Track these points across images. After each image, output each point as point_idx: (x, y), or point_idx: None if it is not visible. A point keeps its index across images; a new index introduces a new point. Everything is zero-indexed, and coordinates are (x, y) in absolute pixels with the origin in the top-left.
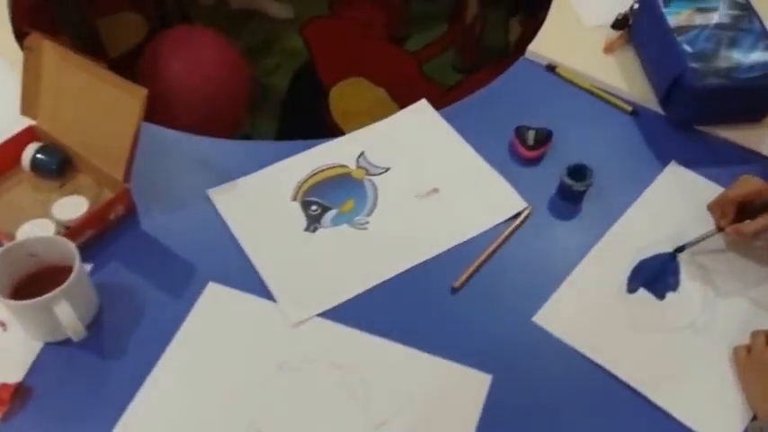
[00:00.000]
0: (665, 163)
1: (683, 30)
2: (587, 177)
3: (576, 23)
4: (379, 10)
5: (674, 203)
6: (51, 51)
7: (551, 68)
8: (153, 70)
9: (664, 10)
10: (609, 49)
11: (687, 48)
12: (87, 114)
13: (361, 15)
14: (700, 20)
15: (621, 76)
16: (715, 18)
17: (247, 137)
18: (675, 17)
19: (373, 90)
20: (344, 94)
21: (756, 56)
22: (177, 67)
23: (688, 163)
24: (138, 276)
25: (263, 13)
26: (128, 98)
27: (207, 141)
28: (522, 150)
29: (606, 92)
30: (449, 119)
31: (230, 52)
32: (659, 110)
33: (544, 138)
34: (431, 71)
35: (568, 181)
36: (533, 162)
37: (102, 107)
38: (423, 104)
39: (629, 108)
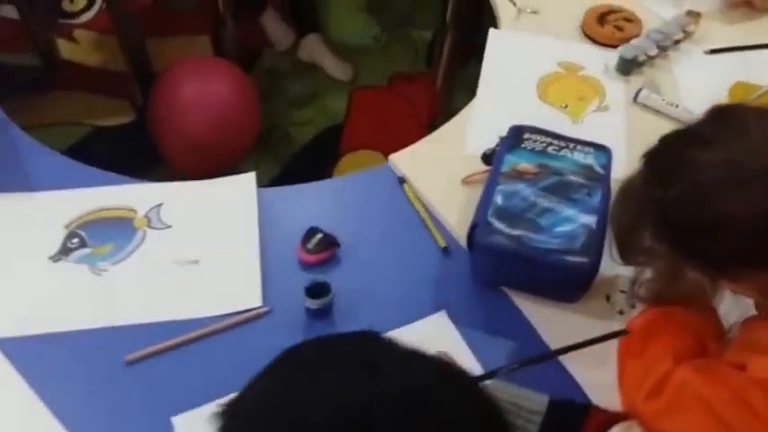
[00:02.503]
0: (440, 309)
1: (509, 179)
2: (324, 297)
3: (458, 146)
4: (426, 95)
5: None
6: None
7: (401, 182)
8: (164, 91)
9: (506, 155)
10: (467, 180)
11: (498, 199)
12: None
13: (412, 96)
14: (534, 176)
15: (460, 212)
16: (553, 179)
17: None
18: (512, 165)
19: None
20: (353, 164)
21: (567, 230)
22: (186, 91)
23: (464, 320)
24: None
25: (322, 70)
26: None
27: (45, 150)
28: (300, 251)
29: (434, 222)
30: (267, 201)
31: (243, 89)
32: None
33: (326, 245)
34: None
35: (304, 295)
36: (313, 266)
37: None
38: (249, 178)
39: (444, 244)
